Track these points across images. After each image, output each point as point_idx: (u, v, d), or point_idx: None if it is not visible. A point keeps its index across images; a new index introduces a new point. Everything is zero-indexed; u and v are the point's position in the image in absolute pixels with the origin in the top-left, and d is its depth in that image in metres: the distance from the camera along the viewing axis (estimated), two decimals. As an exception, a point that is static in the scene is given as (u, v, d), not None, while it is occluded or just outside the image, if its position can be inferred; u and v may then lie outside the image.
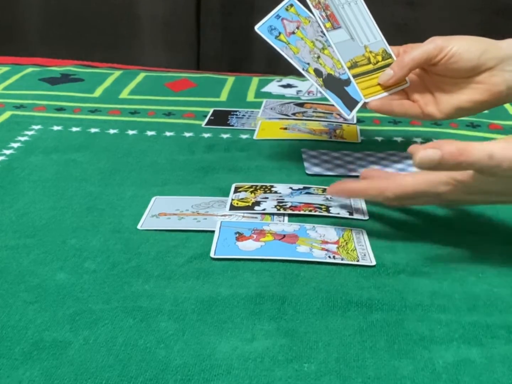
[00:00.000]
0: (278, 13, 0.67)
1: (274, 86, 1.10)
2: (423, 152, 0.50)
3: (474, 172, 0.52)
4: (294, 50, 0.65)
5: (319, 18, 0.65)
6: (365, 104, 0.68)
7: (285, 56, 0.66)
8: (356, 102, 0.68)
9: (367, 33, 0.68)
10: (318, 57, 0.65)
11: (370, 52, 0.67)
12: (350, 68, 0.66)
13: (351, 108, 0.67)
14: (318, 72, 0.65)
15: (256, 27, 0.66)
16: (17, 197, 0.68)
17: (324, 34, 0.66)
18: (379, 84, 0.68)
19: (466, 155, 0.49)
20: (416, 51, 0.67)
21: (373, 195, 0.59)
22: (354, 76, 0.67)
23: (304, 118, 0.93)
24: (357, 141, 0.86)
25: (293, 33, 0.66)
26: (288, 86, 1.10)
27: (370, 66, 0.67)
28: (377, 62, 0.67)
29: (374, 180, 0.60)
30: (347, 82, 0.67)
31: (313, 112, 0.95)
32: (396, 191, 0.57)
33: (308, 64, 0.65)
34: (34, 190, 0.70)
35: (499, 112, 0.96)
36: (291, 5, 0.67)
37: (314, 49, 0.65)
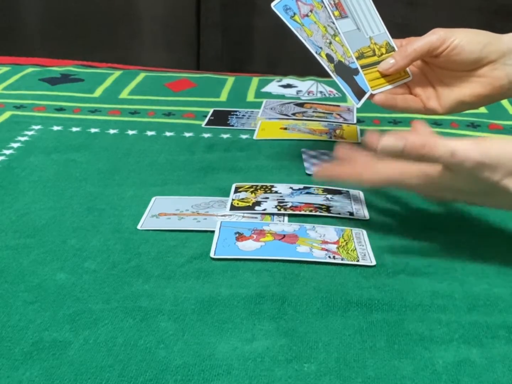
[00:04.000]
0: None
1: (274, 86, 1.10)
2: (387, 137, 0.51)
3: (443, 168, 0.52)
4: (308, 32, 0.64)
5: (328, 5, 0.65)
6: (371, 96, 0.68)
7: (300, 37, 0.65)
8: (364, 92, 0.68)
9: (372, 24, 0.68)
10: (330, 42, 0.65)
11: (375, 44, 0.67)
12: (357, 58, 0.66)
13: (359, 97, 0.67)
14: (329, 58, 0.65)
15: (272, 5, 0.66)
16: (17, 197, 0.68)
17: (333, 22, 0.66)
18: (382, 75, 0.68)
19: (429, 149, 0.50)
20: (418, 42, 0.66)
21: (351, 180, 0.61)
22: (362, 67, 0.67)
23: (304, 118, 0.93)
24: (357, 141, 0.86)
25: (307, 15, 0.65)
26: (288, 86, 1.10)
27: (375, 58, 0.67)
28: (381, 54, 0.67)
29: (352, 165, 0.61)
30: (356, 71, 0.67)
31: (313, 112, 0.95)
32: (371, 178, 0.58)
33: (321, 48, 0.65)
34: (34, 190, 0.70)
35: (499, 112, 0.96)
36: None
37: (326, 35, 0.65)
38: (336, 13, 0.66)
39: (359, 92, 0.67)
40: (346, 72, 0.67)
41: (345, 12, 0.66)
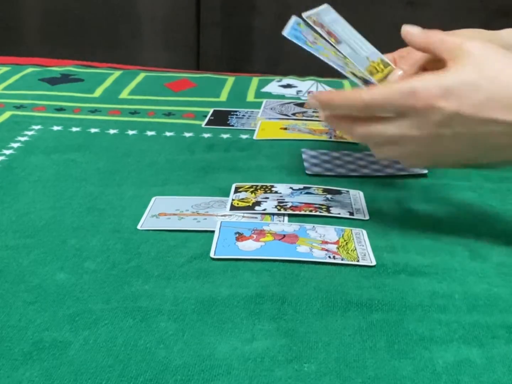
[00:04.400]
0: (293, 26, 0.66)
1: (274, 86, 1.10)
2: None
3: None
4: (325, 55, 0.64)
5: (323, 34, 0.65)
6: None
7: (322, 58, 0.64)
8: None
9: (362, 46, 0.68)
10: (346, 63, 0.65)
11: (373, 61, 0.67)
12: (370, 75, 0.66)
13: None
14: (353, 75, 0.65)
15: (284, 33, 0.64)
16: (17, 197, 0.68)
17: (335, 47, 0.66)
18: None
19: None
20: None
21: (351, 103, 0.57)
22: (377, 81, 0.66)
23: (304, 118, 0.93)
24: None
25: (315, 42, 0.65)
26: (288, 86, 1.10)
27: (380, 75, 0.67)
28: (382, 70, 0.67)
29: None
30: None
31: (313, 112, 0.95)
32: (367, 97, 0.56)
33: (343, 67, 0.65)
34: (34, 190, 0.70)
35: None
36: (299, 24, 0.67)
37: (338, 57, 0.65)
38: (332, 39, 0.66)
39: None
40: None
41: (338, 39, 0.66)
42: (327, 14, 0.68)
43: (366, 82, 0.64)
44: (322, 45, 0.64)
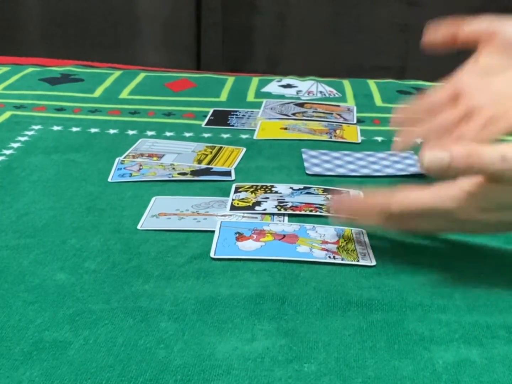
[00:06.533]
0: (117, 167, 0.75)
1: (274, 86, 1.10)
2: (430, 154, 0.46)
3: (488, 179, 0.48)
4: (152, 174, 0.74)
5: (145, 159, 0.78)
6: None
7: (150, 178, 0.73)
8: None
9: (186, 146, 0.81)
10: (174, 168, 0.75)
11: (199, 151, 0.80)
12: None
13: None
14: (183, 174, 0.75)
15: (110, 180, 0.72)
16: (17, 197, 0.68)
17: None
18: None
19: (477, 157, 0.46)
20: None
21: (376, 211, 0.54)
22: None
23: (304, 118, 0.93)
24: (357, 141, 0.86)
25: (140, 168, 0.75)
26: (288, 86, 1.10)
27: (210, 156, 0.79)
28: (210, 152, 0.79)
29: (375, 194, 0.55)
30: None
31: (313, 112, 0.95)
32: (402, 206, 0.52)
33: (170, 173, 0.74)
34: (34, 190, 0.70)
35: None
36: (122, 161, 0.77)
37: (166, 167, 0.76)
38: (155, 158, 0.76)
39: None
40: None
41: (159, 155, 0.78)
42: (144, 144, 0.82)
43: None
44: (147, 167, 0.75)
